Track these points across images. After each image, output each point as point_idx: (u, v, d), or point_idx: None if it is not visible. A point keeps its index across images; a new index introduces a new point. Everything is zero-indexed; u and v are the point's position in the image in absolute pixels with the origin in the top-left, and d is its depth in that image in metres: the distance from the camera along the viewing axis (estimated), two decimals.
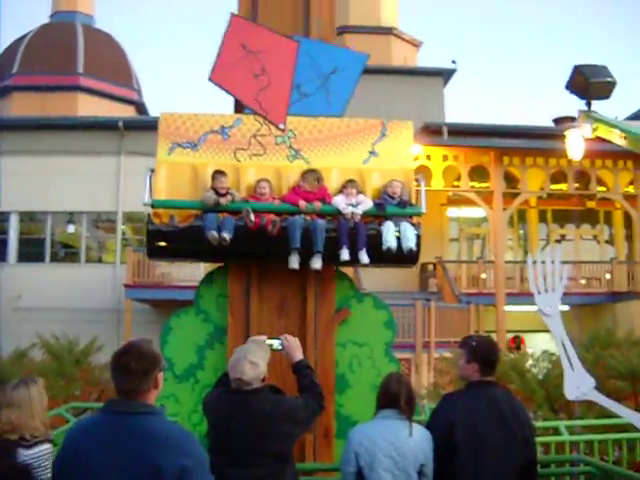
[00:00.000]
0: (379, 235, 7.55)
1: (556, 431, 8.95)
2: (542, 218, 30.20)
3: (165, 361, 8.07)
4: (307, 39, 8.59)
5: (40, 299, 26.47)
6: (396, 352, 17.79)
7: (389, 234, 7.49)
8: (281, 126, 8.19)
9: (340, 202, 7.61)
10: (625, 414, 4.69)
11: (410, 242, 7.48)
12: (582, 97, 6.69)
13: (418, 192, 8.11)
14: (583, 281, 27.97)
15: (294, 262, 7.33)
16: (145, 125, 29.97)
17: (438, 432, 5.14)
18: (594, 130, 6.68)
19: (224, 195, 7.53)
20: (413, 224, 7.74)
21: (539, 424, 9.40)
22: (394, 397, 5.14)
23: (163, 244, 7.83)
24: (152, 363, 3.84)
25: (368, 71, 29.20)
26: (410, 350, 21.90)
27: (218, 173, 7.69)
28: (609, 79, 6.49)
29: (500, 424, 5.09)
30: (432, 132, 28.76)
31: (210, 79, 8.35)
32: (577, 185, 26.07)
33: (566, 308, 27.88)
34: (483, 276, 27.25)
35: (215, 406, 5.14)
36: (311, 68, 8.35)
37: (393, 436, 5.01)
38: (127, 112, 35.58)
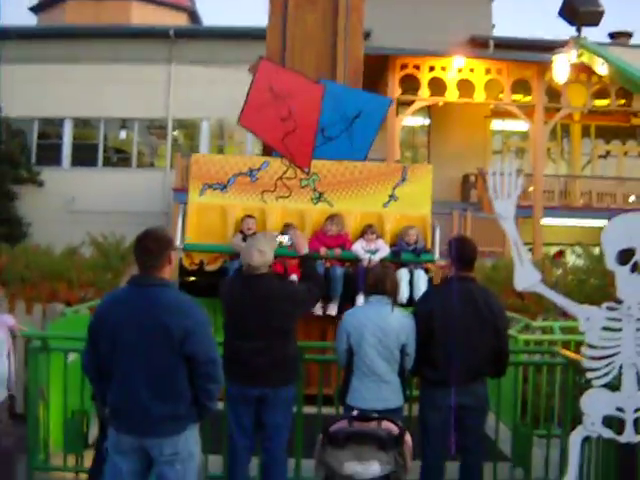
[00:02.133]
0: None
1: (551, 331, 9.69)
2: (586, 133, 30.16)
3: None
4: (333, 83, 8.96)
5: (93, 202, 27.44)
6: None
7: (403, 284, 8.18)
8: (306, 170, 8.68)
9: (359, 249, 8.25)
10: (567, 306, 5.29)
11: (421, 292, 8.12)
12: (572, 24, 7.15)
13: (434, 238, 8.67)
14: (632, 198, 27.93)
15: (316, 308, 8.08)
16: (196, 34, 30.49)
17: (419, 318, 5.91)
18: (579, 56, 7.13)
19: None
20: (427, 270, 8.37)
21: (536, 324, 10.12)
22: (380, 283, 5.88)
23: (193, 282, 8.61)
24: (166, 243, 4.68)
25: None
26: (444, 256, 22.42)
27: (248, 217, 8.38)
28: (598, 8, 6.94)
29: (473, 313, 5.82)
30: (478, 45, 28.84)
31: (239, 123, 8.82)
32: (621, 102, 26.05)
33: (605, 223, 28.02)
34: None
35: (228, 288, 6.01)
36: (336, 112, 8.73)
37: (378, 318, 5.78)
38: (180, 19, 35.67)
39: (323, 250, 8.27)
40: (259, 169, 8.82)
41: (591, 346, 5.17)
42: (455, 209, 23.96)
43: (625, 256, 5.10)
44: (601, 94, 25.78)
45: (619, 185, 28.04)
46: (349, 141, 8.87)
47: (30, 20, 36.91)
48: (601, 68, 6.42)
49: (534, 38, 29.73)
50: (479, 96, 24.64)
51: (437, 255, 8.58)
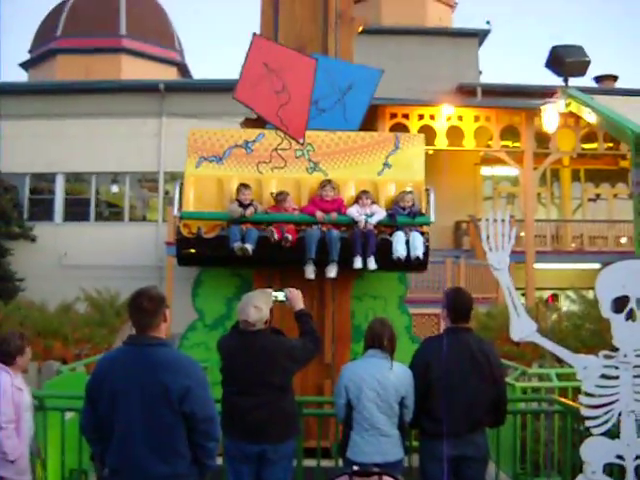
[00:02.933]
0: (390, 244, 8.23)
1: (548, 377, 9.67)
2: (576, 177, 30.39)
3: (196, 312, 8.94)
4: (325, 56, 9.14)
5: (85, 257, 27.42)
6: (426, 307, 18.41)
7: (399, 244, 8.17)
8: (300, 140, 8.79)
9: (354, 212, 8.28)
10: (564, 355, 5.32)
11: (418, 251, 8.16)
12: (559, 75, 7.24)
13: (428, 202, 8.74)
14: (624, 239, 27.98)
15: (310, 272, 8.13)
16: (185, 87, 30.75)
17: (417, 371, 5.90)
18: (567, 105, 7.20)
19: (248, 206, 8.24)
20: (422, 233, 8.39)
21: (533, 371, 10.11)
22: (378, 338, 5.90)
23: (191, 252, 8.58)
24: (160, 302, 4.69)
25: (403, 32, 29.52)
26: (440, 305, 22.44)
27: (243, 186, 8.39)
28: (584, 58, 7.04)
29: (471, 364, 5.81)
30: (466, 92, 29.16)
31: (235, 97, 8.96)
32: (609, 145, 26.27)
33: (597, 266, 28.14)
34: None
35: (225, 345, 6.00)
36: (328, 84, 8.87)
37: (377, 372, 5.78)
38: (170, 73, 35.92)
39: (319, 214, 8.26)
40: (254, 141, 8.81)
41: (589, 394, 5.18)
42: (448, 257, 24.08)
43: (620, 304, 5.13)
44: (589, 138, 26.04)
45: (610, 228, 28.19)
46: (342, 112, 8.96)
47: (21, 76, 37.24)
48: (589, 116, 6.55)
49: (521, 84, 30.14)
50: (468, 143, 24.88)
51: (432, 217, 8.56)
